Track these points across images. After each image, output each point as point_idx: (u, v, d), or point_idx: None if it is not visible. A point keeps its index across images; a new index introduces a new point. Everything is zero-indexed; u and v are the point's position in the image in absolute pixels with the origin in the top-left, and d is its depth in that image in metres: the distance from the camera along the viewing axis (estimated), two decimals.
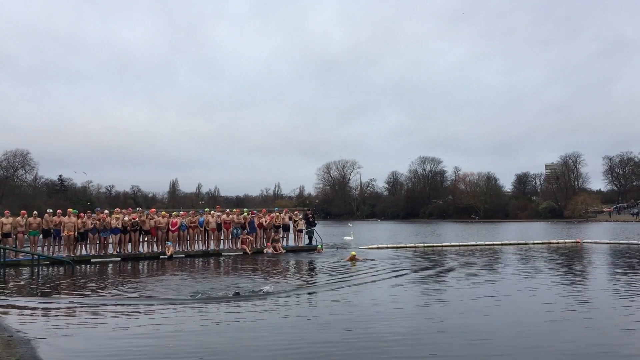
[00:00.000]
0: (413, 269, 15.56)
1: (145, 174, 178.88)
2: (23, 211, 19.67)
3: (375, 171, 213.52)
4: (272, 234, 22.90)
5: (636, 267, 15.85)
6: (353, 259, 17.95)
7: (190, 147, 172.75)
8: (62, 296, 11.37)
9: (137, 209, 26.71)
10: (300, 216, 25.10)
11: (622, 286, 11.95)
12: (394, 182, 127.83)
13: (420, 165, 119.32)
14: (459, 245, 25.39)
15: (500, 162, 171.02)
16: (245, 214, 23.39)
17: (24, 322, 8.70)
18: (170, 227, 20.87)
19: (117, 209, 22.83)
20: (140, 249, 20.65)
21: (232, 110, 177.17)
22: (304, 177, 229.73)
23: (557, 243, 26.42)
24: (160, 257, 20.07)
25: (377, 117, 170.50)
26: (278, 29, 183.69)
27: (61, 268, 16.62)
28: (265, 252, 21.95)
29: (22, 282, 13.80)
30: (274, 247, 22.23)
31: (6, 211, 19.53)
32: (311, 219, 25.00)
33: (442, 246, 25.34)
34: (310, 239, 24.61)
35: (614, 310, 9.12)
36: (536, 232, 41.64)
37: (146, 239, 20.85)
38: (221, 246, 22.00)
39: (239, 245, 22.03)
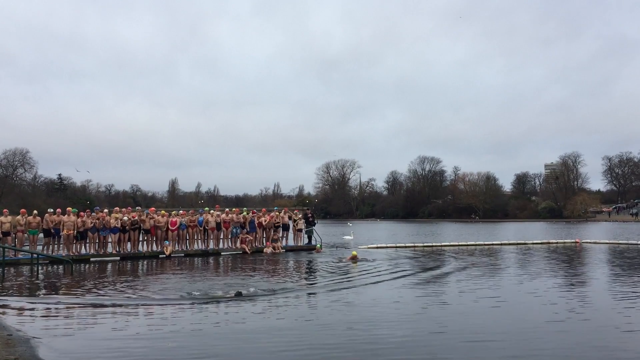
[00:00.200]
0: (413, 269, 15.55)
1: (145, 173, 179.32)
2: (23, 210, 19.68)
3: (375, 171, 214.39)
4: (272, 233, 22.91)
5: (636, 267, 15.85)
6: (354, 259, 17.97)
7: (190, 146, 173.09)
8: (62, 295, 11.35)
9: (137, 208, 26.68)
10: (300, 215, 25.11)
11: (622, 287, 11.94)
12: (393, 181, 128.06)
13: (420, 165, 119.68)
14: (459, 245, 25.40)
15: (499, 162, 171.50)
16: (245, 213, 23.40)
17: (23, 320, 8.69)
18: (169, 226, 20.88)
19: (117, 208, 22.86)
20: (140, 248, 20.65)
21: (232, 109, 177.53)
22: (303, 177, 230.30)
23: (557, 243, 26.44)
24: (160, 256, 20.07)
25: (378, 116, 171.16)
26: (279, 27, 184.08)
27: (60, 267, 16.62)
28: (264, 251, 21.96)
29: (22, 281, 13.78)
30: (273, 247, 22.23)
31: (5, 210, 19.52)
32: (311, 219, 25.01)
33: (442, 246, 25.35)
34: (309, 238, 24.62)
35: (615, 312, 9.10)
36: (535, 232, 41.66)
37: (145, 238, 20.86)
38: (220, 245, 22.01)
39: (238, 245, 22.04)
